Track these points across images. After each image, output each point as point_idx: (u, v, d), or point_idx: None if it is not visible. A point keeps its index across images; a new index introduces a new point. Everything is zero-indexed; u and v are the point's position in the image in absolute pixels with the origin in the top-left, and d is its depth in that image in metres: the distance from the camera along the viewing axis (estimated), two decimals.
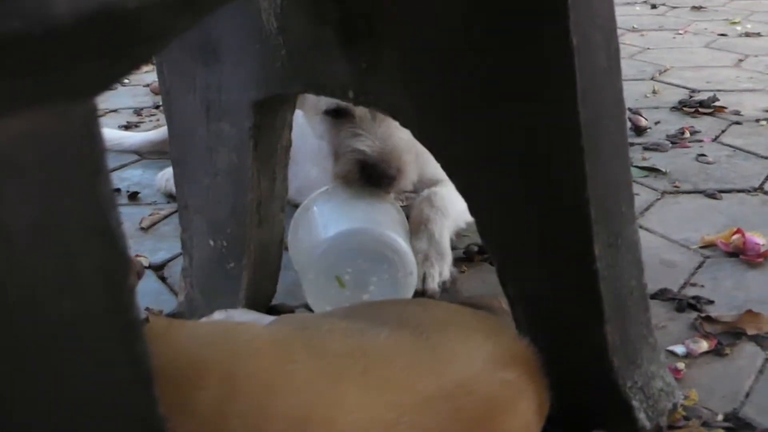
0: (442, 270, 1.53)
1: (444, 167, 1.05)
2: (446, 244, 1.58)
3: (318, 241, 1.40)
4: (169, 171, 2.04)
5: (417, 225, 1.59)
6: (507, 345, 1.02)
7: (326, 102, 1.54)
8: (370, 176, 1.54)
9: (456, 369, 0.94)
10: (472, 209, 1.07)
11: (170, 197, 2.01)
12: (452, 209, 1.63)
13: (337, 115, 1.58)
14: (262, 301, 1.42)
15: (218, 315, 1.25)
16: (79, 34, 0.43)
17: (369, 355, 0.92)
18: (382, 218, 1.48)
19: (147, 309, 1.45)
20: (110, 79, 0.49)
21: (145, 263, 1.69)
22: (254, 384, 0.87)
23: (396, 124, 1.54)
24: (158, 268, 1.68)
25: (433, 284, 1.50)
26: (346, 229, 1.40)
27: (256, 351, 0.91)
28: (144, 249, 1.75)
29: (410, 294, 1.41)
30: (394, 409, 0.88)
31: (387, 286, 1.39)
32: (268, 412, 0.85)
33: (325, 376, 0.89)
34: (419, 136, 1.07)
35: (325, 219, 1.47)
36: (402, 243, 1.40)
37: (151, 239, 1.81)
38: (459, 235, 1.68)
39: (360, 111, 1.55)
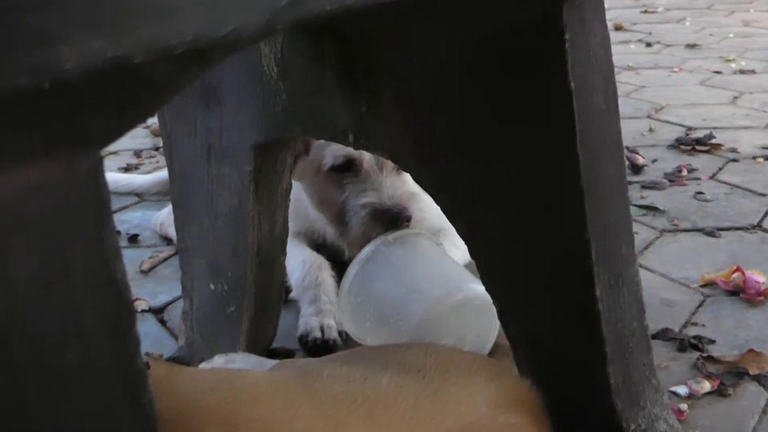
0: None
1: (444, 210, 1.06)
2: None
3: (420, 302, 1.31)
4: (162, 214, 2.04)
5: None
6: (509, 388, 1.01)
7: (332, 157, 1.54)
8: (387, 221, 1.51)
9: (458, 413, 0.94)
10: (473, 251, 1.07)
11: (165, 239, 2.01)
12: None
13: (343, 170, 1.57)
14: (263, 344, 1.42)
15: (219, 359, 1.24)
16: (86, 88, 0.44)
17: (371, 401, 0.92)
18: (461, 270, 1.43)
19: (147, 353, 1.44)
20: (117, 130, 0.49)
21: (145, 306, 1.69)
22: (255, 430, 0.86)
23: (403, 178, 1.56)
24: (158, 311, 1.68)
25: None
26: (449, 288, 1.33)
27: (256, 397, 0.91)
28: (144, 292, 1.75)
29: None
30: None
31: (477, 343, 1.33)
32: None
33: (325, 422, 0.89)
34: (420, 179, 1.07)
35: (409, 274, 1.38)
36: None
37: (151, 282, 1.81)
38: None
39: (367, 164, 1.55)
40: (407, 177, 1.57)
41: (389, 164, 1.55)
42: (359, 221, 1.54)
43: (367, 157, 1.54)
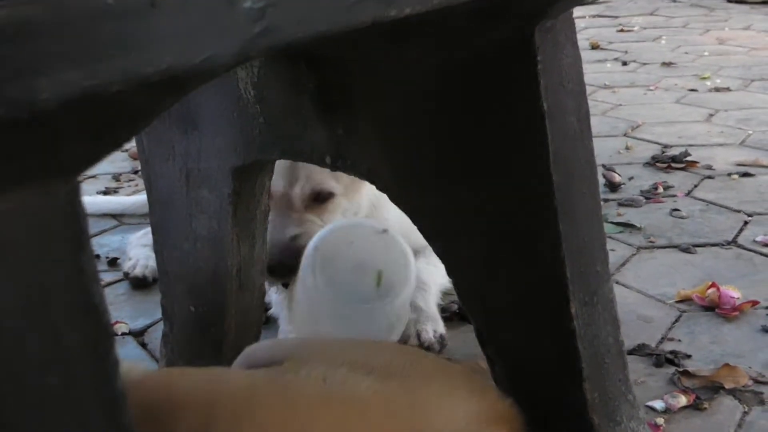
0: (436, 328, 1.59)
1: (422, 231, 1.07)
2: (434, 311, 1.65)
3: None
4: (134, 256, 2.00)
5: None
6: (491, 403, 1.02)
7: None
8: (275, 275, 1.57)
9: (437, 423, 0.94)
10: (450, 271, 1.08)
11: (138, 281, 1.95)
12: (432, 280, 1.67)
13: None
14: None
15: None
16: (63, 118, 0.44)
17: (346, 404, 0.93)
18: None
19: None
20: (93, 158, 0.50)
21: (125, 329, 1.69)
22: (229, 420, 0.89)
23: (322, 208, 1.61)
24: (139, 334, 1.68)
25: (428, 335, 1.56)
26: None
27: (233, 393, 0.93)
28: (124, 315, 1.75)
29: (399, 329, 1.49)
30: None
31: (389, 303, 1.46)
32: None
33: (294, 419, 0.91)
34: (397, 200, 1.08)
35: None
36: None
37: (131, 305, 1.81)
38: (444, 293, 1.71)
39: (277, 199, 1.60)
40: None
41: (305, 196, 1.61)
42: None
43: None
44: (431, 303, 1.65)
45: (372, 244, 1.49)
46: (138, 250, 1.98)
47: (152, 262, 1.88)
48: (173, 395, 0.91)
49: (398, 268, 1.49)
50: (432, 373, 1.04)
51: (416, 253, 1.75)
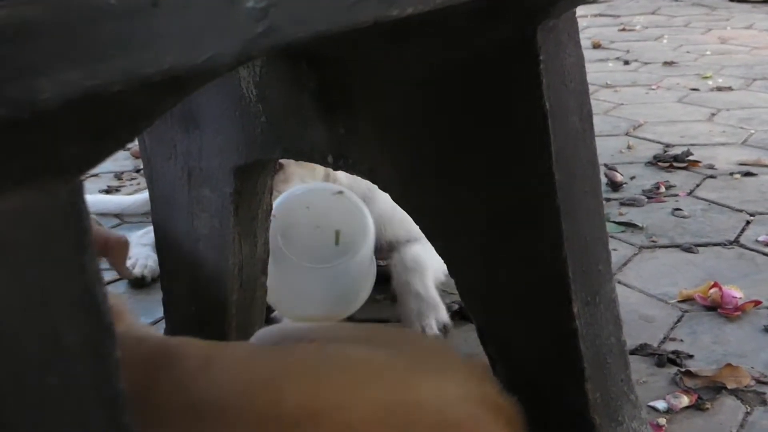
0: (438, 317, 1.57)
1: (423, 230, 1.07)
2: (434, 295, 1.63)
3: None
4: (134, 255, 2.00)
5: (400, 291, 1.62)
6: (489, 392, 1.01)
7: None
8: None
9: (426, 394, 0.93)
10: (452, 270, 1.08)
11: (137, 281, 1.95)
12: (428, 263, 1.66)
13: None
14: None
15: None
16: (64, 118, 0.44)
17: (334, 362, 0.94)
18: None
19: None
20: (95, 158, 0.50)
21: None
22: (226, 363, 0.93)
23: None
24: None
25: (432, 330, 1.55)
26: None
27: (232, 351, 1.00)
28: None
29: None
30: (341, 400, 0.89)
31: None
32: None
33: (279, 366, 0.94)
34: (399, 200, 1.08)
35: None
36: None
37: (133, 303, 1.81)
38: (445, 292, 1.70)
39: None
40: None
41: None
42: None
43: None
44: (429, 286, 1.64)
45: (328, 205, 1.54)
46: (138, 249, 1.98)
47: (151, 262, 1.90)
48: (174, 344, 0.96)
49: (356, 226, 1.54)
50: (431, 352, 1.04)
51: (413, 240, 1.75)
